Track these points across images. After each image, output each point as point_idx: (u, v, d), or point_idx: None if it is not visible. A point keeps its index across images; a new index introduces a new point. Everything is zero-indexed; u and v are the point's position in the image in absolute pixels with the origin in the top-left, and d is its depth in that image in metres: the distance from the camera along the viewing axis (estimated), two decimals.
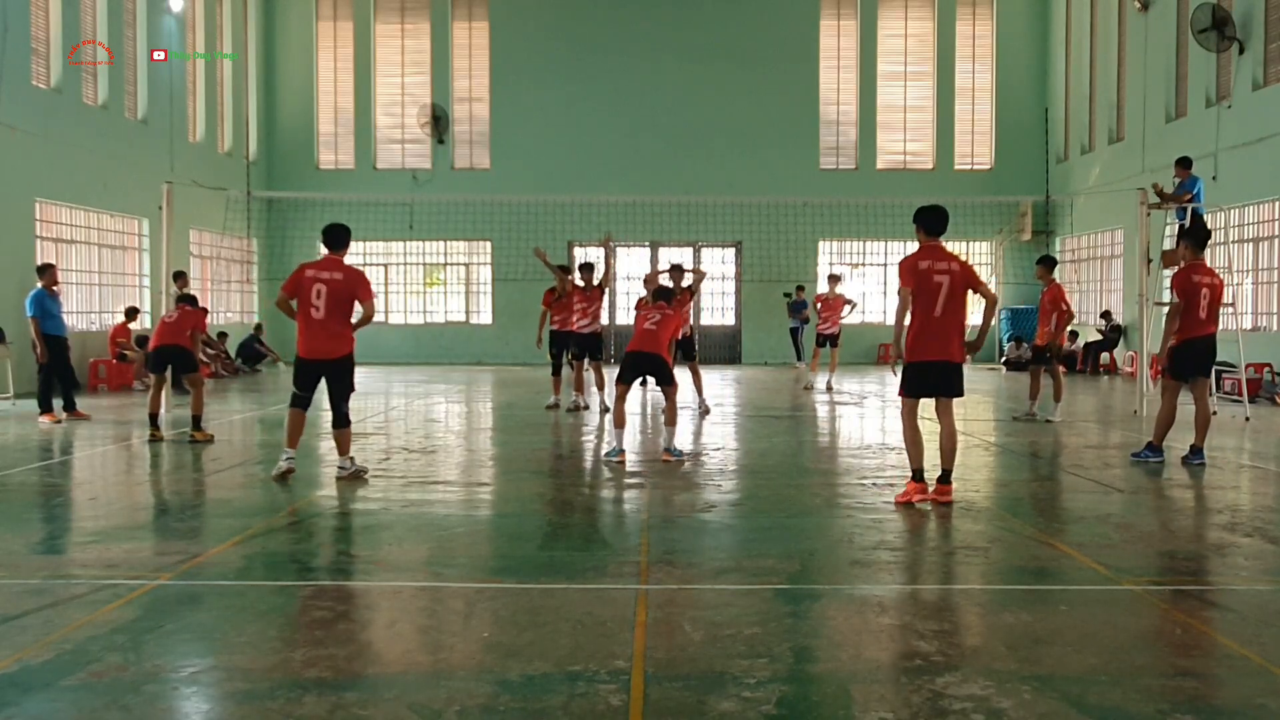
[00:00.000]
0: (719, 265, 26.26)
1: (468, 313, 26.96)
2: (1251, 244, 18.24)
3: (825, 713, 3.69)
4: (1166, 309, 9.93)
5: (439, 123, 26.27)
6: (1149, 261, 14.35)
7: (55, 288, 13.06)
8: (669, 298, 10.27)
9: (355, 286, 8.36)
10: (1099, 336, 22.87)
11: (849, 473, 8.89)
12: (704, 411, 13.54)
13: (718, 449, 10.59)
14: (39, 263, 14.62)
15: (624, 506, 7.50)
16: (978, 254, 27.09)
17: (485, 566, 5.85)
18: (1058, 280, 13.25)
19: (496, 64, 26.41)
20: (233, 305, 25.17)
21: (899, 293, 7.51)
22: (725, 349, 26.22)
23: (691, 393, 13.74)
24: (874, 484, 8.29)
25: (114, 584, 5.29)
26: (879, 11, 26.45)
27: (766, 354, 25.84)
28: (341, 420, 8.43)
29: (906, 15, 26.66)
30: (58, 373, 12.84)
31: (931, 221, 7.61)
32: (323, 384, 8.47)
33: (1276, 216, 17.56)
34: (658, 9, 26.23)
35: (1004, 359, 24.82)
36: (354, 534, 6.55)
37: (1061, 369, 13.64)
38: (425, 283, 27.19)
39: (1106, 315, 22.84)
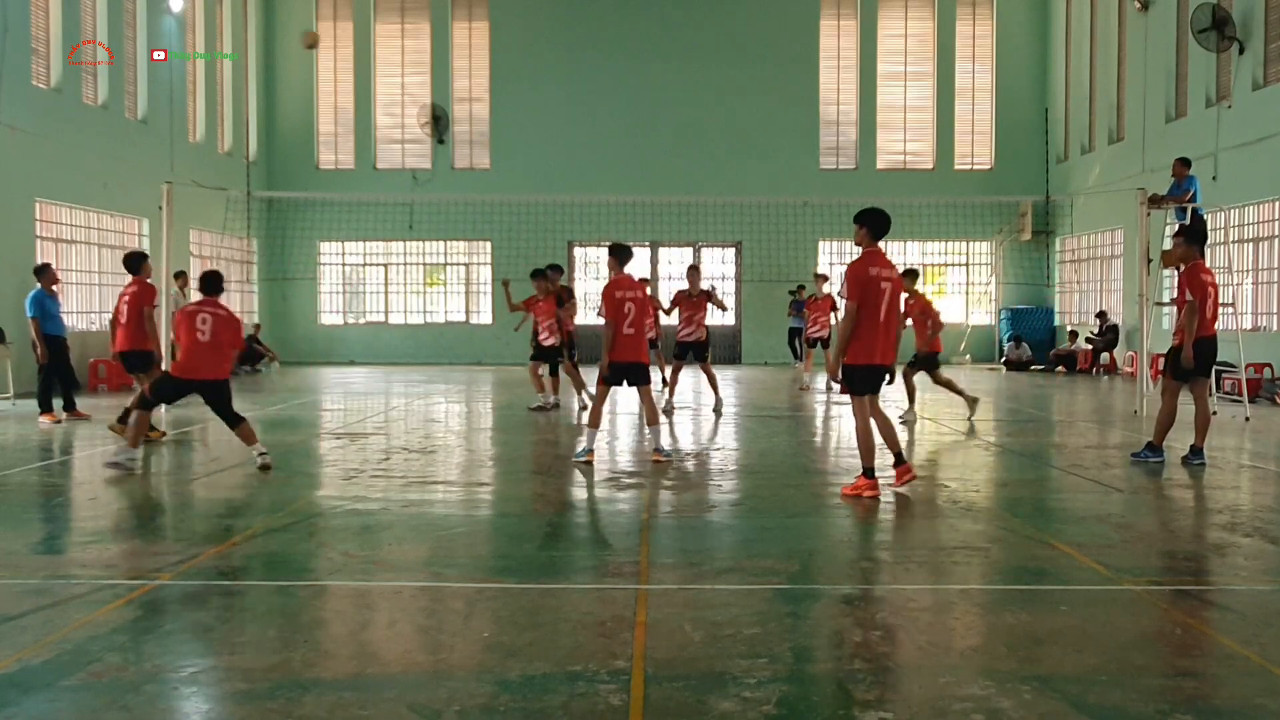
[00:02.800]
0: (719, 265, 26.28)
1: (468, 313, 26.97)
2: (1251, 244, 18.25)
3: (825, 713, 3.68)
4: (1171, 309, 9.87)
5: (439, 123, 26.28)
6: (1149, 261, 14.35)
7: (55, 287, 13.07)
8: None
9: (233, 326, 9.11)
10: (1093, 337, 22.90)
11: (849, 473, 8.88)
12: (718, 411, 13.65)
13: (718, 449, 10.60)
14: (37, 263, 14.61)
15: (624, 506, 7.50)
16: (978, 254, 27.13)
17: (485, 566, 5.85)
18: (919, 290, 13.23)
19: (496, 64, 26.41)
20: (232, 305, 25.15)
21: (847, 308, 7.47)
22: (725, 349, 26.22)
23: (705, 391, 14.01)
24: None
25: (114, 584, 5.29)
26: (879, 11, 26.46)
27: (766, 354, 25.84)
28: (235, 420, 9.00)
29: (906, 15, 26.66)
30: (58, 373, 12.85)
31: (878, 224, 7.59)
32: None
33: (1276, 216, 17.56)
34: (658, 9, 26.24)
35: (1004, 359, 24.80)
36: (354, 534, 6.55)
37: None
38: (425, 283, 27.19)
39: (1102, 315, 22.86)
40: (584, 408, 13.84)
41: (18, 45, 16.60)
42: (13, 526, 6.73)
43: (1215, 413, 13.17)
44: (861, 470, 7.64)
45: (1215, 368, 14.24)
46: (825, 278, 18.36)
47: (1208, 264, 10.34)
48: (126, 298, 11.01)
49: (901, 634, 4.53)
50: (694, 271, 13.99)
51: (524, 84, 26.13)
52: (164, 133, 21.40)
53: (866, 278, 7.36)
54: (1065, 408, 15.49)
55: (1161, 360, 14.21)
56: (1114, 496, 7.87)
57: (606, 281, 9.61)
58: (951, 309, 27.30)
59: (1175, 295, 9.24)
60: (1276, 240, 17.61)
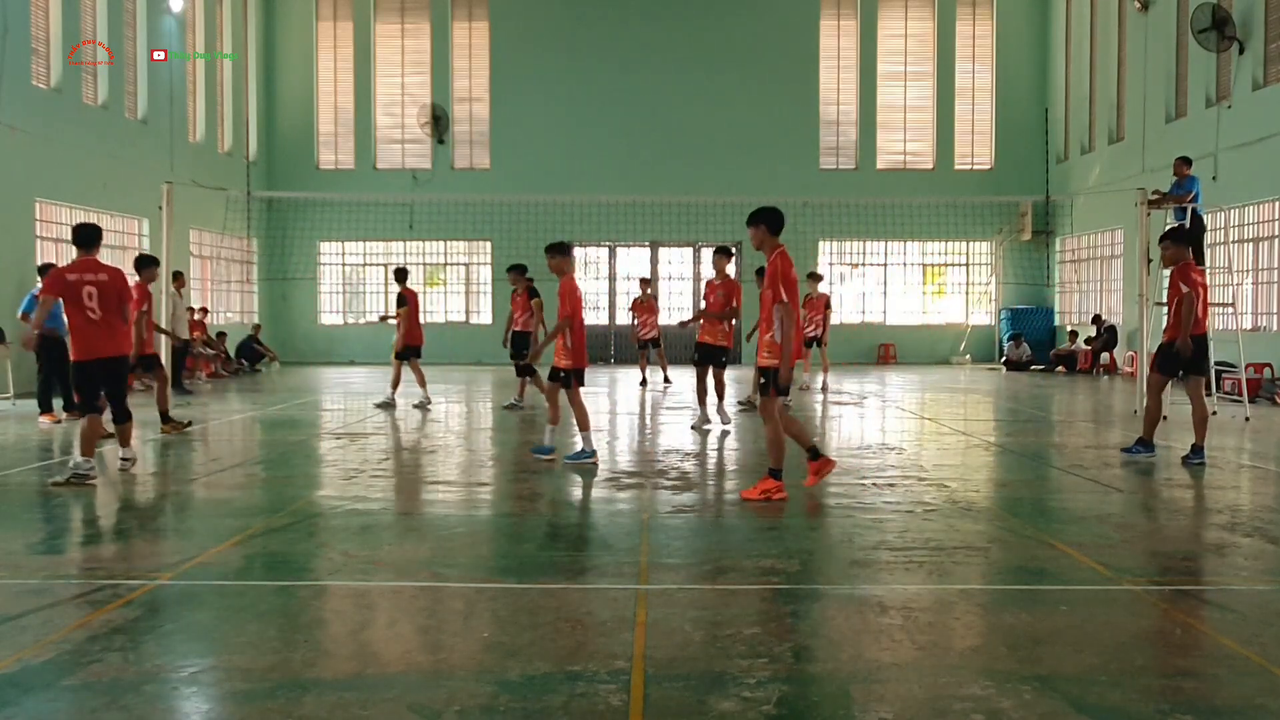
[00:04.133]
0: None
1: (468, 313, 26.97)
2: (1251, 244, 18.24)
3: (825, 713, 3.68)
4: (1165, 306, 9.91)
5: (439, 123, 26.28)
6: (1149, 261, 14.34)
7: None
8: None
9: (121, 286, 8.48)
10: (1089, 340, 22.92)
11: (849, 473, 8.89)
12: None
13: (717, 449, 10.59)
14: (40, 263, 14.66)
15: (624, 506, 7.50)
16: (978, 254, 27.13)
17: (485, 566, 5.85)
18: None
19: (496, 64, 26.42)
20: (232, 305, 25.18)
21: (783, 308, 7.32)
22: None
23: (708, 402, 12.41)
24: (874, 484, 8.29)
25: (114, 584, 5.29)
26: (879, 11, 26.46)
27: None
28: (123, 415, 8.67)
29: (906, 15, 26.66)
30: (57, 373, 12.87)
31: (777, 222, 7.62)
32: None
33: (1276, 216, 17.56)
34: (658, 9, 26.24)
35: (1004, 359, 24.80)
36: (354, 534, 6.55)
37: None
38: (425, 283, 27.19)
39: (1097, 320, 22.87)
40: (519, 406, 14.09)
41: (18, 45, 16.60)
42: (13, 526, 6.73)
43: (1215, 412, 13.22)
44: (769, 472, 7.60)
45: (1215, 368, 14.37)
46: (820, 277, 18.36)
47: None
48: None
49: (901, 634, 4.52)
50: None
51: (524, 84, 26.13)
52: (164, 133, 21.40)
53: (793, 278, 7.44)
54: (1065, 408, 15.49)
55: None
56: (1114, 496, 7.87)
57: (564, 278, 9.41)
58: (952, 309, 27.33)
59: (1175, 292, 9.34)
60: (1276, 240, 17.61)
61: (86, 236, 8.52)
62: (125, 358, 8.65)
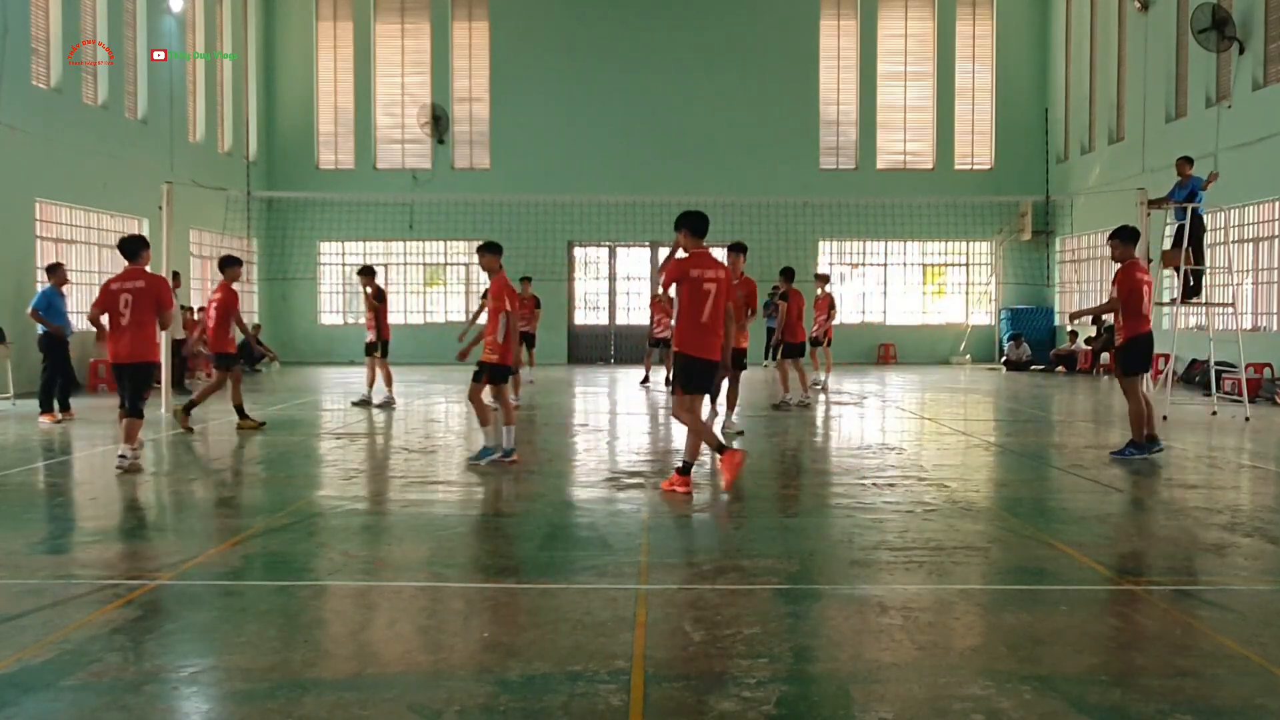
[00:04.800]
0: None
1: (468, 313, 26.94)
2: (1251, 244, 18.24)
3: (825, 713, 3.68)
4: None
5: (439, 123, 26.28)
6: (1149, 261, 14.34)
7: (63, 287, 13.35)
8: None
9: (158, 293, 9.00)
10: (1089, 340, 22.90)
11: (849, 473, 8.89)
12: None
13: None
14: (49, 262, 14.77)
15: (624, 506, 7.50)
16: (978, 254, 27.13)
17: (485, 566, 5.85)
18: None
19: (496, 64, 26.42)
20: None
21: (662, 296, 7.56)
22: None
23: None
24: (874, 484, 8.28)
25: (114, 584, 5.29)
26: (879, 11, 26.46)
27: (766, 354, 25.80)
28: (134, 412, 8.90)
29: (906, 15, 26.67)
30: (61, 372, 12.96)
31: (698, 225, 7.79)
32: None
33: (1276, 216, 17.57)
34: (658, 9, 26.24)
35: (1004, 359, 24.80)
36: (354, 534, 6.55)
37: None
38: (425, 283, 27.19)
39: (1097, 320, 22.82)
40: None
41: (18, 45, 16.60)
42: (13, 526, 6.72)
43: (1215, 413, 13.23)
44: (680, 467, 7.78)
45: (1215, 367, 14.38)
46: (826, 278, 18.33)
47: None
48: (216, 303, 11.91)
49: (901, 634, 4.52)
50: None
51: (524, 84, 26.13)
52: (164, 133, 21.40)
53: (686, 278, 7.58)
54: (1065, 408, 15.49)
55: (1164, 361, 14.30)
56: (1114, 496, 7.87)
57: (494, 277, 9.57)
58: (952, 309, 27.34)
59: (1115, 290, 9.48)
60: (1276, 240, 17.61)
61: (129, 248, 9.22)
62: (147, 364, 8.98)
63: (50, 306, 12.95)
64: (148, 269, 9.26)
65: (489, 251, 9.63)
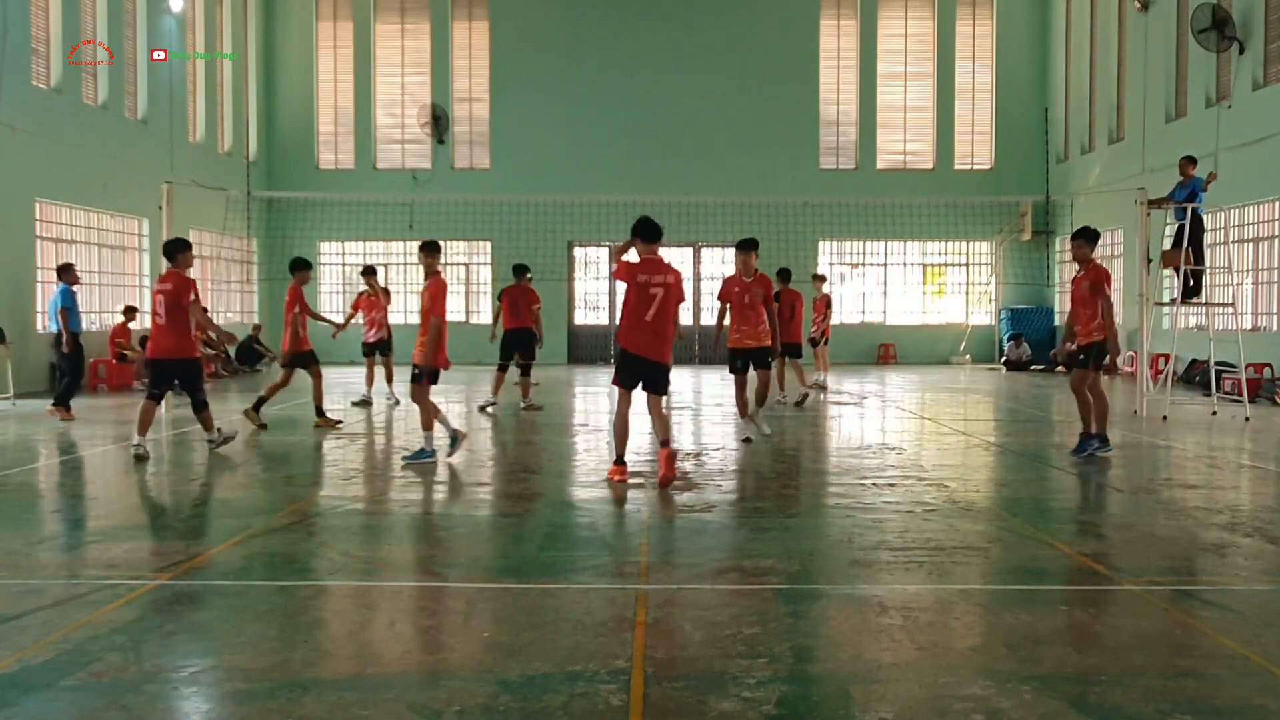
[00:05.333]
0: (719, 265, 26.27)
1: (468, 312, 26.95)
2: (1251, 244, 18.24)
3: (825, 713, 3.68)
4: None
5: (439, 123, 26.27)
6: (1149, 262, 14.35)
7: (75, 286, 13.55)
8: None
9: (182, 294, 9.55)
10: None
11: (849, 473, 8.89)
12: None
13: (718, 449, 10.59)
14: (59, 263, 14.81)
15: (624, 506, 7.50)
16: (978, 254, 27.13)
17: (485, 566, 5.85)
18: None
19: (496, 64, 26.41)
20: (233, 305, 25.16)
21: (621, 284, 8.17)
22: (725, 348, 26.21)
23: (711, 395, 12.12)
24: (874, 484, 8.28)
25: (114, 584, 5.29)
26: (879, 11, 26.45)
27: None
28: (199, 406, 9.77)
29: (906, 15, 26.66)
30: (76, 371, 13.12)
31: (649, 232, 8.15)
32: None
33: (1276, 216, 17.56)
34: (658, 9, 26.23)
35: (1004, 359, 24.80)
36: (354, 534, 6.55)
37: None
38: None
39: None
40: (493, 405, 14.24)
41: (18, 45, 16.60)
42: (13, 526, 6.73)
43: (1215, 413, 13.23)
44: (615, 458, 8.29)
45: (1215, 367, 14.42)
46: (824, 278, 18.35)
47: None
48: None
49: (901, 634, 4.53)
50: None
51: (524, 84, 26.12)
52: (164, 133, 21.39)
53: (634, 282, 8.02)
54: (1065, 408, 15.47)
55: (1164, 361, 14.30)
56: (1114, 496, 7.88)
57: (431, 279, 9.67)
58: (952, 309, 27.34)
59: (1099, 292, 9.55)
60: (1276, 240, 17.61)
61: (166, 251, 9.91)
62: (187, 360, 9.68)
63: (70, 305, 13.16)
64: (189, 272, 9.85)
65: (427, 251, 9.81)
